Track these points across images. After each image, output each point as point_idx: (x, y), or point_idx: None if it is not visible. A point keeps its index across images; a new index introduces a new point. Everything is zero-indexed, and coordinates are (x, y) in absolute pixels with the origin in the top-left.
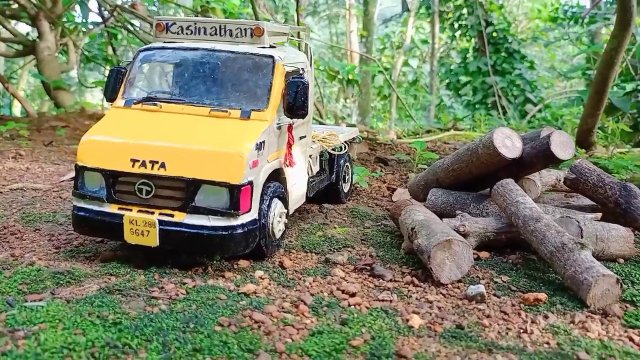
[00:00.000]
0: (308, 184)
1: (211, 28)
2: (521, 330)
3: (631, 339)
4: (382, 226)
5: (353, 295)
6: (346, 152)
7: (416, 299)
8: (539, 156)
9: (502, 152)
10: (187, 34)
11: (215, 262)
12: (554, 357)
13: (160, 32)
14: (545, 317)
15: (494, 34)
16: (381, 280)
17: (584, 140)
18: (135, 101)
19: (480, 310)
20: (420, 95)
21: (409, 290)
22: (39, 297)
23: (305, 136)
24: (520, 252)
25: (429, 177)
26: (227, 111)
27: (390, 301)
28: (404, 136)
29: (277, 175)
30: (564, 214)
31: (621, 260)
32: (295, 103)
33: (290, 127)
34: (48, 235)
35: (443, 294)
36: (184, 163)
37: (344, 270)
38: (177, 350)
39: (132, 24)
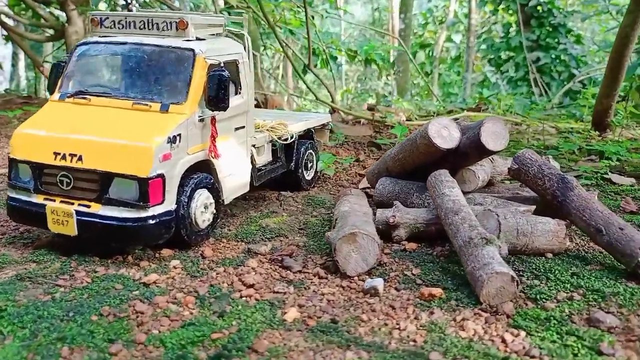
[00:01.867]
0: (254, 173)
1: (140, 22)
2: (396, 327)
3: (504, 340)
4: (331, 215)
5: (251, 286)
6: (312, 140)
7: (313, 291)
8: (472, 147)
9: (436, 142)
10: (119, 28)
11: (137, 250)
12: (408, 356)
13: (96, 27)
14: (432, 313)
15: (538, 7)
16: (288, 271)
17: (599, 122)
18: (68, 95)
19: (369, 304)
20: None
21: (311, 282)
22: None
23: (243, 126)
24: (449, 245)
25: (380, 166)
26: (148, 104)
27: (284, 293)
28: (416, 118)
29: (206, 166)
30: (499, 206)
31: (549, 255)
32: (216, 96)
33: (213, 120)
34: (2, 222)
35: (342, 287)
36: (99, 156)
37: (260, 261)
38: (43, 338)
39: (151, 6)
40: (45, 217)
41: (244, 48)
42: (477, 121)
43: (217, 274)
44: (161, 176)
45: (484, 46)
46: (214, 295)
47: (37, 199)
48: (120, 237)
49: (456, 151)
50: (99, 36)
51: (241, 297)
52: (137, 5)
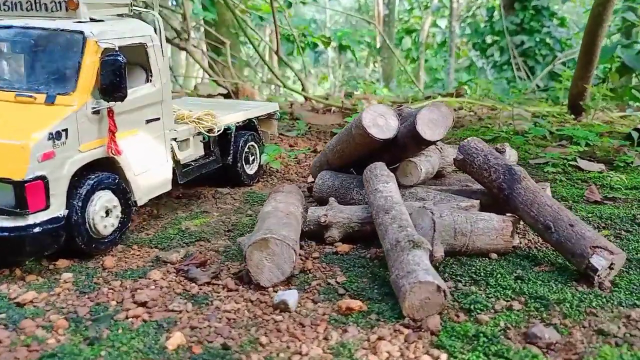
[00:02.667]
0: (178, 170)
1: (27, 2)
2: (297, 352)
3: None
4: None
5: (142, 304)
6: (254, 131)
7: (216, 307)
8: (408, 137)
9: (371, 132)
10: (4, 10)
11: (27, 262)
12: None
13: None
14: (345, 331)
15: None
16: (193, 284)
17: (575, 106)
18: None
19: (275, 322)
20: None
21: (217, 297)
22: None
23: (158, 118)
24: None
25: (321, 159)
26: (32, 96)
27: (179, 312)
28: (390, 104)
29: (111, 164)
30: (442, 201)
31: (493, 256)
32: (110, 85)
33: (110, 112)
34: None
35: (251, 301)
36: None
37: (167, 272)
38: None
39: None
40: None
41: (155, 30)
42: (417, 108)
43: (110, 289)
44: (41, 178)
45: (468, 30)
46: (94, 317)
47: None
48: (0, 249)
49: (395, 141)
50: None
51: (127, 318)
52: None
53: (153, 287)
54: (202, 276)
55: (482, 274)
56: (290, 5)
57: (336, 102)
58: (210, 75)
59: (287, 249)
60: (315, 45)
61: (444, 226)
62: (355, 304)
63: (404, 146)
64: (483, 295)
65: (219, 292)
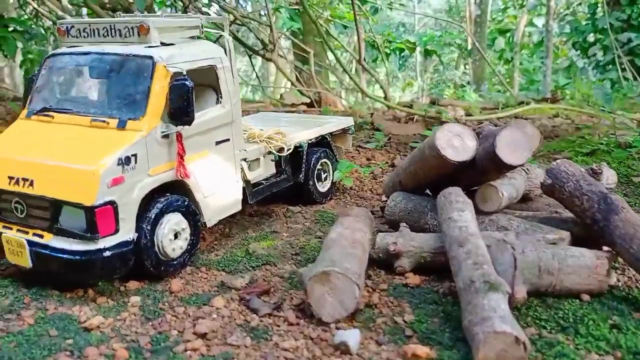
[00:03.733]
0: (248, 190)
1: (103, 29)
2: None
3: None
4: None
5: (202, 336)
6: (327, 147)
7: (275, 344)
8: (488, 160)
9: (446, 154)
10: (84, 36)
11: (100, 283)
12: None
13: (63, 37)
14: None
15: None
16: (253, 315)
17: None
18: (34, 112)
19: None
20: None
21: (277, 331)
22: None
23: (228, 139)
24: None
25: (394, 179)
26: (106, 121)
27: (237, 347)
28: (475, 112)
29: (181, 187)
30: (525, 232)
31: (586, 297)
32: (178, 109)
33: (179, 136)
34: None
35: (312, 338)
36: (49, 181)
37: (230, 299)
38: None
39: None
40: (3, 246)
41: (225, 51)
42: (498, 127)
43: (173, 316)
44: (111, 203)
45: (567, 29)
46: (154, 348)
47: None
48: (72, 271)
49: (473, 164)
50: (67, 46)
51: (185, 350)
52: (195, 8)
53: (215, 315)
54: (264, 307)
55: (570, 319)
56: (376, 11)
57: (419, 110)
58: (293, 85)
59: (349, 284)
60: (402, 50)
61: (526, 263)
62: (423, 350)
63: (482, 169)
64: (571, 346)
65: (279, 326)
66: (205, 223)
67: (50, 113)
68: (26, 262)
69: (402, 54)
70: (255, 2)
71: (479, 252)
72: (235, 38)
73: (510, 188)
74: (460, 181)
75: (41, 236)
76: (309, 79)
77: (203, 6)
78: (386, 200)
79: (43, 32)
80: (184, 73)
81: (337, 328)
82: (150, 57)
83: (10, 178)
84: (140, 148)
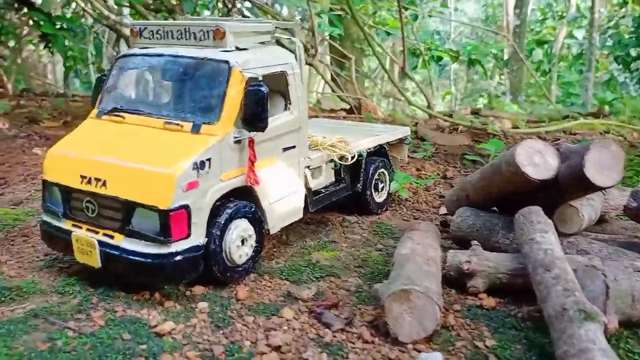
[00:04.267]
0: (309, 198)
1: (177, 31)
2: None
3: None
4: None
5: (276, 349)
6: (385, 157)
7: None
8: (573, 180)
9: (526, 171)
10: (157, 38)
11: (166, 286)
12: None
13: (135, 38)
14: None
15: None
16: (327, 330)
17: None
18: (105, 112)
19: None
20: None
21: (352, 348)
22: None
23: (293, 146)
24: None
25: (460, 193)
26: (179, 124)
27: None
28: (522, 125)
29: (248, 193)
30: (609, 256)
31: None
32: (252, 115)
33: (251, 142)
34: None
35: (390, 359)
36: (122, 182)
37: (299, 310)
38: None
39: (256, 15)
40: (72, 244)
41: (295, 58)
42: (580, 145)
43: (243, 325)
44: (185, 207)
45: (609, 42)
46: (228, 359)
47: (66, 224)
48: (141, 273)
49: (554, 182)
50: (139, 47)
51: None
52: (239, 12)
53: (286, 327)
54: (336, 322)
55: None
56: (416, 17)
57: (464, 120)
58: (333, 90)
59: (430, 304)
60: (440, 58)
61: (619, 292)
62: None
63: (566, 189)
64: None
65: (353, 342)
66: (269, 230)
67: (122, 113)
68: (95, 262)
69: (440, 62)
70: (292, 7)
71: (569, 278)
72: (277, 42)
73: (589, 209)
74: (534, 200)
75: (112, 237)
76: (345, 85)
77: (246, 9)
78: (445, 214)
79: (87, 29)
80: (260, 78)
81: (415, 349)
82: (227, 62)
83: (83, 177)
84: (214, 153)
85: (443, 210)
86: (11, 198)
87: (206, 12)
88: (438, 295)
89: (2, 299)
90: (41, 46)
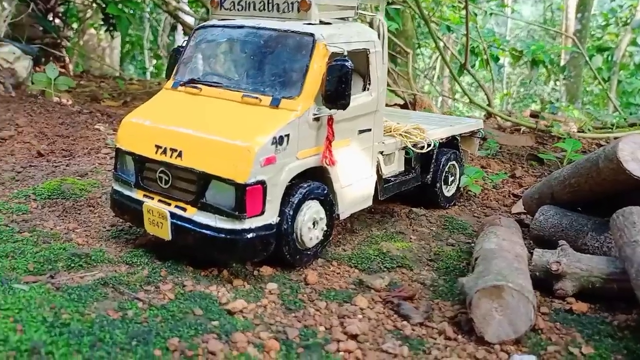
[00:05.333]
0: (379, 185)
1: (260, 3)
2: None
3: None
4: (471, 246)
5: (353, 337)
6: (456, 149)
7: (435, 358)
8: None
9: (629, 168)
10: (238, 9)
11: (234, 264)
12: None
13: (215, 9)
14: None
15: None
16: (405, 322)
17: None
18: (181, 83)
19: None
20: None
21: (434, 343)
22: (35, 279)
23: (369, 129)
24: (638, 312)
25: (543, 190)
26: (258, 98)
27: (395, 356)
28: (589, 129)
29: (320, 174)
30: None
31: None
32: (335, 91)
33: (330, 120)
34: None
35: (477, 358)
36: (198, 154)
37: (372, 299)
38: None
39: None
40: (142, 215)
41: (378, 36)
42: None
43: (316, 310)
44: (261, 183)
45: None
46: (304, 343)
47: (137, 194)
48: (211, 249)
49: None
50: (218, 19)
51: (338, 351)
52: None
53: (361, 316)
54: (415, 315)
55: None
56: (475, 15)
57: (525, 121)
58: (388, 85)
59: (525, 303)
60: (497, 58)
61: None
62: None
63: None
64: None
65: (435, 338)
66: (339, 215)
67: (198, 85)
68: (166, 234)
69: (497, 64)
70: None
71: None
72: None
73: None
74: (630, 200)
75: (184, 209)
76: (397, 80)
77: None
78: (520, 213)
79: (147, 16)
80: (345, 54)
81: (504, 350)
82: (311, 35)
83: (158, 147)
84: (293, 129)
85: (516, 208)
86: (76, 169)
87: None
88: (532, 294)
89: (72, 265)
90: (101, 30)
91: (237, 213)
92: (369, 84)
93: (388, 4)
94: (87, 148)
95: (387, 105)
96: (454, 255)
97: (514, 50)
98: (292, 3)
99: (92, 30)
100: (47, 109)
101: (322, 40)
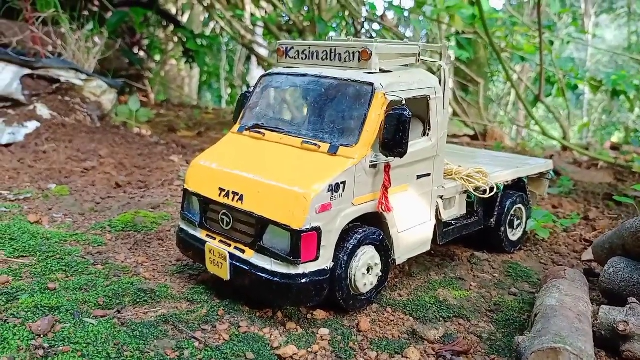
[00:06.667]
0: (439, 230)
1: (323, 52)
2: None
3: None
4: (535, 295)
5: None
6: (523, 191)
7: None
8: None
9: None
10: (302, 58)
11: (288, 307)
12: None
13: (281, 57)
14: None
15: None
16: None
17: None
18: (246, 127)
19: None
20: None
21: None
22: (104, 313)
23: (428, 174)
24: None
25: (614, 241)
26: (317, 145)
27: None
28: None
29: (377, 219)
30: None
31: None
32: (392, 139)
33: (387, 167)
34: None
35: None
36: (258, 198)
37: (425, 352)
38: None
39: (382, 36)
40: (204, 254)
41: (440, 82)
42: None
43: (365, 359)
44: (316, 229)
45: None
46: None
47: (201, 234)
48: (265, 292)
49: None
50: (284, 67)
51: None
52: (366, 35)
53: None
54: None
55: None
56: (552, 43)
57: (602, 155)
58: (457, 115)
59: None
60: (576, 87)
61: None
62: None
63: None
64: None
65: None
66: (395, 260)
67: (262, 130)
68: (225, 274)
69: (575, 91)
70: (420, 29)
71: None
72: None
73: None
74: None
75: (243, 251)
76: (468, 110)
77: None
78: (590, 261)
79: (224, 47)
80: (403, 102)
81: None
82: (371, 84)
83: (221, 190)
84: (349, 176)
85: (586, 256)
86: (150, 201)
87: (332, 34)
88: (592, 359)
89: (138, 300)
90: (182, 61)
91: (291, 258)
92: (429, 129)
93: (458, 33)
94: (161, 180)
95: (456, 135)
96: (516, 306)
97: (593, 80)
98: (354, 53)
99: (173, 61)
100: (128, 140)
101: (381, 89)
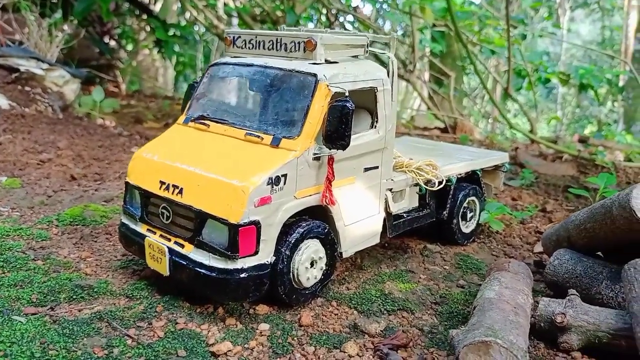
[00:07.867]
0: (388, 222)
1: (269, 42)
2: None
3: None
4: None
5: None
6: (476, 184)
7: None
8: None
9: None
10: (249, 48)
11: (228, 302)
12: None
13: (228, 46)
14: None
15: None
16: None
17: None
18: (191, 119)
19: None
20: None
21: None
22: (35, 310)
23: (376, 167)
24: None
25: (560, 233)
26: (260, 136)
27: None
28: (636, 158)
29: (322, 212)
30: None
31: None
32: (334, 132)
33: (331, 160)
34: None
35: None
36: (197, 191)
37: (364, 346)
38: None
39: (358, 29)
40: (144, 249)
41: (388, 73)
42: None
43: (303, 355)
44: (255, 223)
45: None
46: None
47: (141, 228)
48: (205, 287)
49: None
50: (231, 56)
51: None
52: (340, 27)
53: None
54: None
55: None
56: (524, 37)
57: (569, 149)
58: (429, 108)
59: None
60: (547, 80)
61: None
62: None
63: None
64: None
65: None
66: (341, 253)
67: (207, 122)
68: (164, 269)
69: (547, 85)
70: (395, 22)
71: None
72: (374, 56)
73: None
74: None
75: (182, 246)
76: (441, 103)
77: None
78: (541, 253)
79: (198, 38)
80: (346, 94)
81: None
82: (314, 75)
83: (162, 183)
84: (291, 169)
85: (539, 247)
86: (104, 194)
87: (310, 25)
88: (523, 352)
89: (74, 296)
90: (155, 51)
91: (229, 252)
92: (377, 121)
93: (433, 26)
94: (119, 172)
95: (427, 128)
96: (462, 298)
97: (561, 74)
98: (299, 43)
99: (147, 51)
100: (89, 131)
101: (325, 80)
